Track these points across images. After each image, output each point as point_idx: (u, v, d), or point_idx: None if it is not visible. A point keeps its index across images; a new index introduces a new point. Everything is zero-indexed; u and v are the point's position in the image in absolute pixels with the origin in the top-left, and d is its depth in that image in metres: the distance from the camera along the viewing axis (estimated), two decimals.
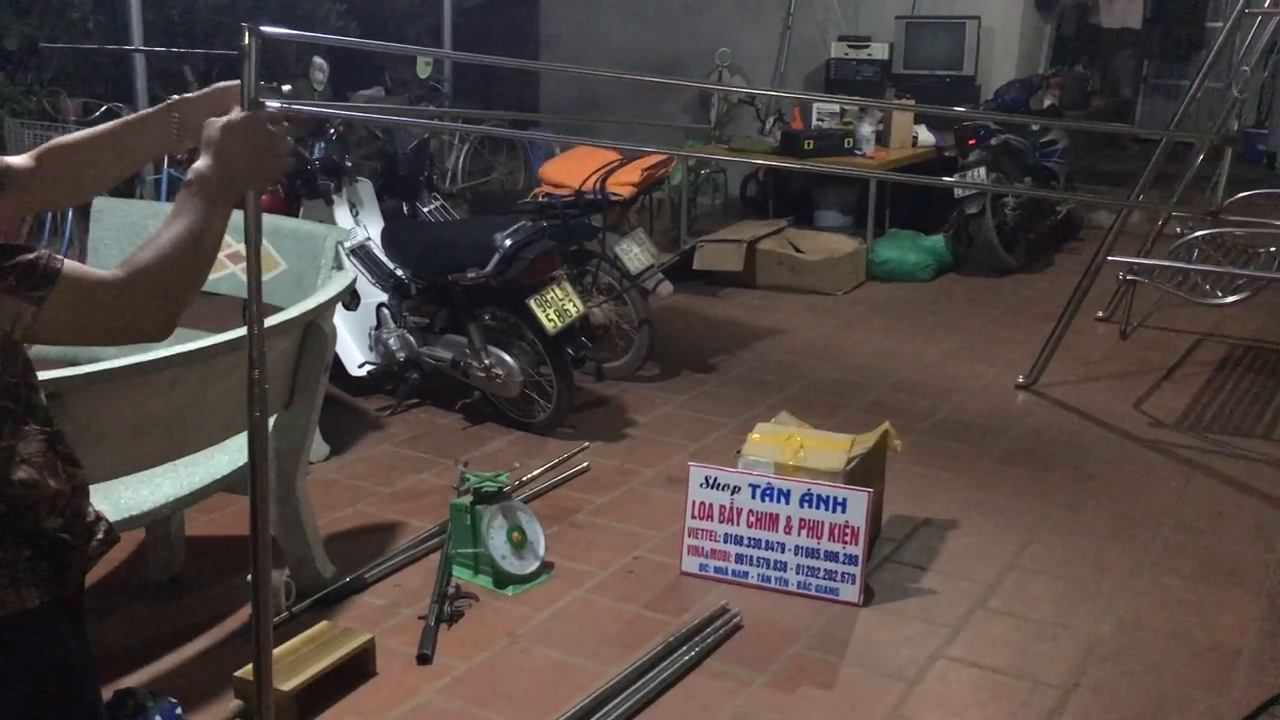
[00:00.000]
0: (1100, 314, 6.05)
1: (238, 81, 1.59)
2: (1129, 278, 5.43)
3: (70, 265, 1.35)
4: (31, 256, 1.32)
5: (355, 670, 2.82)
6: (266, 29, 1.59)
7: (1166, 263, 5.37)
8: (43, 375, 2.34)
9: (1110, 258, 5.06)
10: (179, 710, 2.60)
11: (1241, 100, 4.54)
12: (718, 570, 3.36)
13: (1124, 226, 5.12)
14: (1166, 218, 5.83)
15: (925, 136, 7.55)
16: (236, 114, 1.52)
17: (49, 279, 1.33)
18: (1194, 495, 4.02)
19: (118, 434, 2.51)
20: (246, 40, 1.55)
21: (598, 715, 2.68)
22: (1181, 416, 4.79)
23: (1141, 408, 4.89)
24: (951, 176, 7.03)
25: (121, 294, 1.38)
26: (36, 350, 2.74)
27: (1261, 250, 5.56)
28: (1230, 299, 5.14)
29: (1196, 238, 5.46)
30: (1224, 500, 3.98)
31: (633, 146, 6.25)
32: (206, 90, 1.66)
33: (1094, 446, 4.46)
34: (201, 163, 1.48)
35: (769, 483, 3.31)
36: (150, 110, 1.66)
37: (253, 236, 1.71)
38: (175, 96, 1.65)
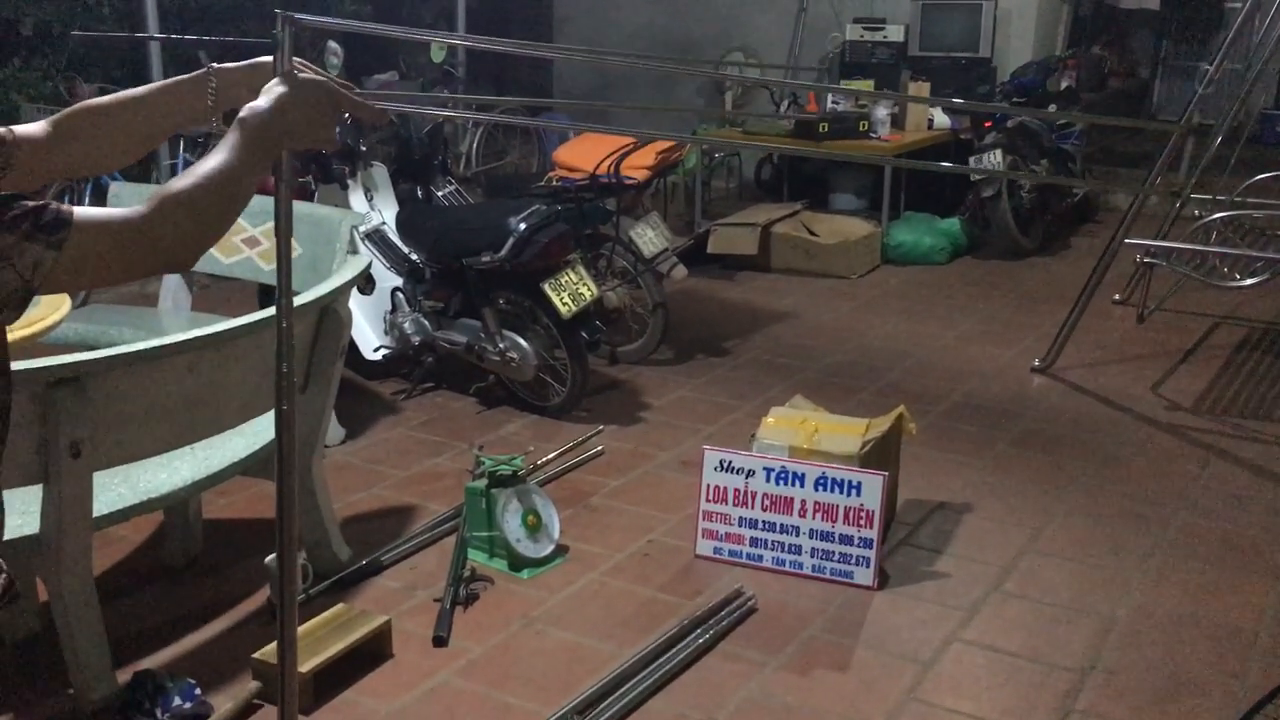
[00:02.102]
0: (1117, 297, 6.02)
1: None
2: (1146, 260, 5.39)
3: (80, 210, 1.31)
4: (41, 202, 1.28)
5: (372, 652, 2.84)
6: (299, 15, 1.61)
7: (1184, 245, 5.33)
8: (61, 360, 2.37)
9: (1128, 240, 5.03)
10: (197, 691, 2.63)
11: (1253, 86, 4.49)
12: (732, 553, 3.37)
13: (1141, 209, 5.08)
14: (1184, 200, 5.79)
15: (941, 119, 7.50)
16: (312, 75, 1.53)
17: (64, 223, 1.28)
18: (1211, 479, 4.00)
19: (136, 418, 2.53)
20: (279, 27, 1.57)
21: (613, 697, 2.69)
22: (1199, 400, 4.77)
23: (1158, 391, 4.86)
24: (968, 159, 7.00)
25: (145, 229, 1.33)
26: (55, 334, 2.72)
27: None
28: (1248, 281, 5.10)
29: (1215, 220, 5.41)
30: (1241, 484, 3.96)
31: (647, 133, 6.25)
32: (246, 63, 1.65)
33: (1110, 430, 4.44)
34: (259, 104, 1.45)
35: (783, 466, 3.31)
36: (185, 77, 1.62)
37: (283, 228, 1.72)
38: (214, 64, 1.63)
